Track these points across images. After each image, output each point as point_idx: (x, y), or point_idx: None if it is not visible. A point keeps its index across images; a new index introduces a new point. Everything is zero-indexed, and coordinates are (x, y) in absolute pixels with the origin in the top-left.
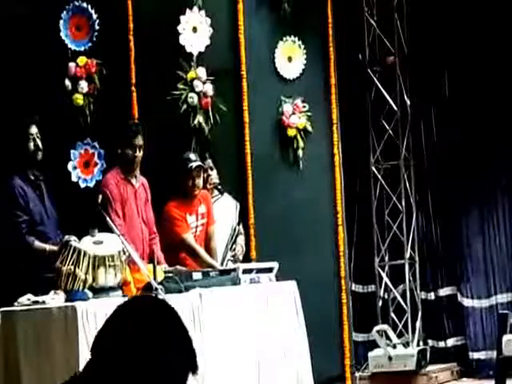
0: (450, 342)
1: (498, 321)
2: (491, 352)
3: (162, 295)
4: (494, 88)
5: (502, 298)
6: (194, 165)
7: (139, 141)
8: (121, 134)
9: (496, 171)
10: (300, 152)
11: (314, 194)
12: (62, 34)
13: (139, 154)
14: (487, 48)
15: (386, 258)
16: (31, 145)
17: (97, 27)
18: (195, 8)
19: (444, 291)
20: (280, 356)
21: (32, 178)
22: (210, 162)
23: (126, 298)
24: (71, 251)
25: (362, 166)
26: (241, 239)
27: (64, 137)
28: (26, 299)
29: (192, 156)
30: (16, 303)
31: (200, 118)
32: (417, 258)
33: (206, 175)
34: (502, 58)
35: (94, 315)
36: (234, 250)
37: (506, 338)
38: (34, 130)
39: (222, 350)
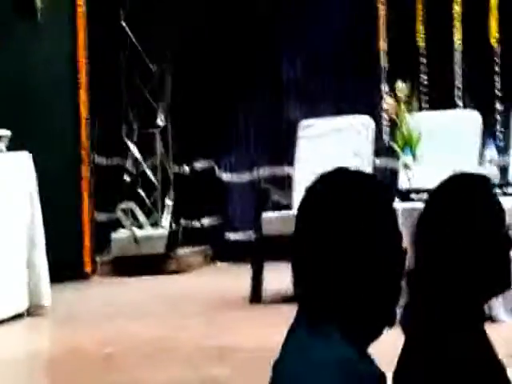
0: (206, 221)
1: (257, 197)
2: (250, 232)
3: None
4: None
5: (264, 171)
6: None
7: None
8: None
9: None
10: None
11: (54, 52)
12: None
13: None
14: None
15: (135, 126)
16: None
17: None
18: None
19: (200, 164)
20: (7, 241)
21: None
22: None
23: None
24: None
25: (111, 20)
26: None
27: None
28: None
29: None
30: None
31: None
32: (169, 127)
33: None
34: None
35: None
36: None
37: (265, 215)
38: None
39: None
